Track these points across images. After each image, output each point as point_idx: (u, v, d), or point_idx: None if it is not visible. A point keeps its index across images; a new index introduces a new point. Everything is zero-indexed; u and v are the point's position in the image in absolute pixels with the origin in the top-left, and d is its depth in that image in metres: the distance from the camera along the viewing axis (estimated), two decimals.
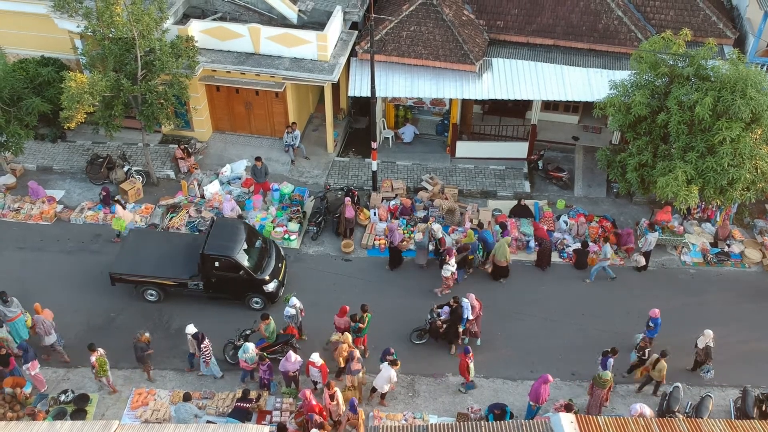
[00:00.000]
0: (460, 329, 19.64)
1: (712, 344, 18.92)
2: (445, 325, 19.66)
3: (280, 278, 21.06)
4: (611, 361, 18.44)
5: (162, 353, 19.84)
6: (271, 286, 20.65)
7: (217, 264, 20.10)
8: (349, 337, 18.71)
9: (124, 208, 23.21)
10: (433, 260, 22.55)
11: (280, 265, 21.28)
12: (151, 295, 20.97)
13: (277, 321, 19.67)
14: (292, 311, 19.46)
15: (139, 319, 20.64)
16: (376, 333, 20.02)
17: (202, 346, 18.62)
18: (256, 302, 20.90)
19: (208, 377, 19.38)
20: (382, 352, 18.50)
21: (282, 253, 21.96)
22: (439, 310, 19.80)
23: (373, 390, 18.52)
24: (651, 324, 19.33)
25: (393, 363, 17.94)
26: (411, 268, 22.75)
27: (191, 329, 18.63)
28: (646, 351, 18.95)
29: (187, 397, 17.35)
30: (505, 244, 21.61)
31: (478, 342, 20.17)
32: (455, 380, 19.44)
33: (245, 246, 20.53)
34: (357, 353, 18.56)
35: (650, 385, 19.21)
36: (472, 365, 18.54)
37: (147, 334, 18.66)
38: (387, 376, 17.91)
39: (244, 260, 20.26)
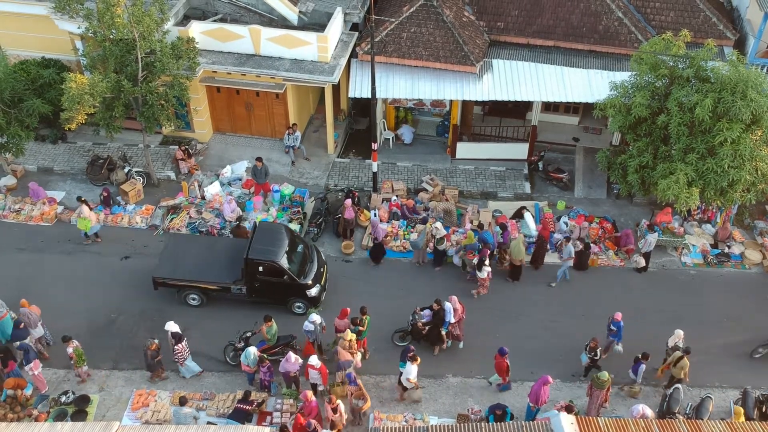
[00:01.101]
0: (443, 332, 19.62)
1: (682, 344, 18.94)
2: (427, 328, 19.63)
3: (322, 283, 20.99)
4: (643, 366, 18.50)
5: (162, 353, 19.83)
6: (313, 291, 20.55)
7: (260, 269, 20.06)
8: (349, 335, 18.65)
9: (91, 209, 22.97)
10: (431, 260, 22.66)
11: (322, 269, 21.22)
12: (194, 299, 20.93)
13: (289, 330, 19.56)
14: (311, 327, 19.14)
15: (139, 319, 20.65)
16: (377, 334, 20.04)
17: (176, 347, 18.55)
18: (299, 307, 20.81)
19: (208, 378, 19.38)
20: (402, 352, 18.56)
21: (323, 257, 21.88)
22: (422, 312, 19.78)
23: (405, 389, 18.64)
24: (613, 327, 19.28)
25: (413, 359, 17.99)
26: (411, 269, 22.77)
27: (172, 327, 18.66)
28: (598, 351, 18.91)
29: (182, 401, 17.30)
30: (520, 243, 21.62)
31: (460, 345, 20.09)
32: (455, 381, 19.46)
33: (288, 250, 20.50)
34: (358, 357, 18.62)
35: (650, 387, 19.22)
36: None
37: (156, 341, 18.64)
38: (408, 371, 18.03)
39: (288, 265, 20.23)
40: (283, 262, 20.16)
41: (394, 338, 20.17)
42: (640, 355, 18.71)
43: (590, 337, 19.22)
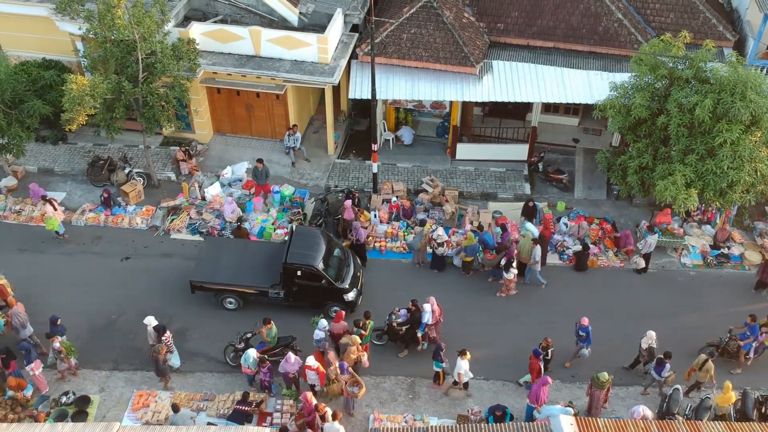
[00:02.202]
0: (419, 334, 19.61)
1: (655, 345, 18.96)
2: (404, 329, 19.62)
3: (358, 287, 20.96)
4: (668, 365, 18.50)
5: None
6: (351, 295, 20.51)
7: (299, 273, 20.06)
8: (357, 339, 18.68)
9: (55, 208, 22.93)
10: (430, 261, 22.69)
11: (358, 273, 21.22)
12: (231, 303, 20.91)
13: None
14: (322, 334, 19.01)
15: (139, 320, 20.64)
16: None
17: (164, 337, 18.61)
18: (335, 311, 20.62)
19: (208, 378, 19.41)
20: (434, 351, 18.61)
21: (359, 261, 21.85)
22: (399, 312, 19.76)
23: (455, 383, 18.79)
24: (582, 333, 19.20)
25: (463, 354, 18.15)
26: (412, 270, 22.79)
27: (151, 321, 18.70)
28: (549, 351, 18.87)
29: (175, 408, 17.24)
30: (528, 241, 21.66)
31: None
32: (448, 383, 19.42)
33: (326, 255, 20.49)
34: (365, 357, 18.62)
35: (652, 387, 19.25)
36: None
37: (165, 347, 18.62)
38: (458, 367, 18.22)
39: (326, 269, 20.23)
40: (321, 266, 20.15)
41: (372, 337, 20.14)
42: (662, 355, 18.71)
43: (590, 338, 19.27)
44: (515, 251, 21.46)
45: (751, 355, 19.47)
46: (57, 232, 23.02)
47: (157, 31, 22.07)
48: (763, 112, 20.03)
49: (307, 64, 24.91)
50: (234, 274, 20.63)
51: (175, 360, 19.23)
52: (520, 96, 24.61)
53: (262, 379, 18.61)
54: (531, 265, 21.81)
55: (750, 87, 19.89)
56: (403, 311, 19.74)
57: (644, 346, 19.13)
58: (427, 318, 19.34)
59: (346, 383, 17.90)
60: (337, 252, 21.09)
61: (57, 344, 18.43)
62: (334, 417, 16.95)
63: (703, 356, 18.65)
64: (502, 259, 21.41)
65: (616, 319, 21.05)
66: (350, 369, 17.97)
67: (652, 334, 19.03)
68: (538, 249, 21.55)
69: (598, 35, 25.38)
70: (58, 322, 19.00)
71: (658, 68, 21.57)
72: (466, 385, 18.92)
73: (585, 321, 19.21)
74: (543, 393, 17.57)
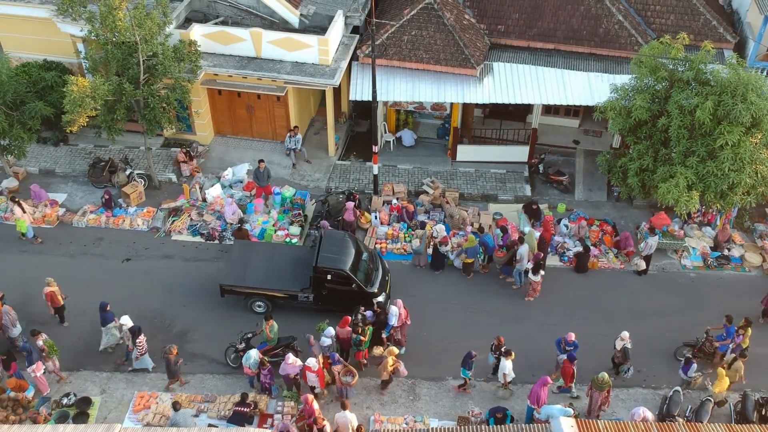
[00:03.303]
0: (384, 335, 19.62)
1: (629, 345, 18.98)
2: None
3: (387, 291, 20.93)
4: (695, 366, 18.52)
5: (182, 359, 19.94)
6: (380, 299, 20.48)
7: (329, 277, 20.05)
8: (395, 350, 18.57)
9: (24, 210, 22.90)
10: (430, 263, 22.74)
11: (387, 277, 21.20)
12: (259, 306, 20.88)
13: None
14: (329, 341, 18.92)
15: (140, 321, 20.64)
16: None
17: (137, 340, 18.62)
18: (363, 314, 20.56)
19: (209, 380, 19.43)
20: (464, 358, 18.61)
21: (386, 265, 21.78)
22: (365, 313, 19.73)
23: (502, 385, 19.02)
24: (568, 348, 18.99)
25: (508, 354, 18.32)
26: (413, 272, 22.81)
27: (127, 321, 18.71)
28: (502, 349, 18.76)
29: (176, 407, 17.26)
30: (532, 237, 21.74)
31: (402, 350, 19.83)
32: (456, 384, 19.46)
33: (355, 259, 20.50)
34: (402, 366, 18.62)
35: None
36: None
37: (175, 347, 18.67)
38: (503, 366, 18.40)
39: (356, 273, 20.23)
40: (352, 270, 20.16)
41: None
42: (690, 355, 18.74)
43: (589, 340, 19.26)
44: (542, 255, 21.51)
45: (728, 356, 19.47)
46: (24, 234, 22.85)
47: (158, 33, 22.08)
48: (763, 114, 20.04)
49: (308, 65, 24.94)
50: (264, 278, 20.64)
51: (145, 362, 19.19)
52: (521, 98, 24.63)
53: (262, 381, 18.63)
54: (516, 262, 21.86)
55: (751, 89, 19.90)
56: (369, 312, 19.77)
57: (618, 347, 19.12)
58: (393, 320, 19.38)
59: (339, 373, 18.05)
60: (365, 256, 21.05)
61: (40, 342, 18.43)
62: (344, 407, 17.16)
63: (732, 354, 18.60)
64: (529, 261, 21.42)
65: (617, 321, 21.03)
66: (341, 359, 18.11)
67: (625, 334, 19.05)
68: (524, 248, 21.53)
69: (599, 37, 25.40)
70: (108, 308, 19.15)
71: (658, 70, 21.58)
72: (507, 384, 18.96)
73: (571, 336, 18.94)
74: (543, 393, 17.58)
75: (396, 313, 19.35)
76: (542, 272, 21.25)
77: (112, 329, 19.23)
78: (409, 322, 19.85)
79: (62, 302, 20.01)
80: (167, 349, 18.44)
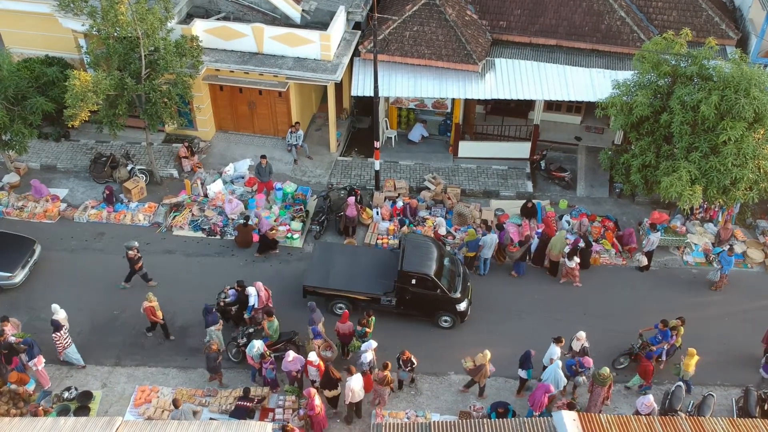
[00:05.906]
0: (246, 316, 19.83)
1: (587, 344, 18.89)
2: (233, 309, 19.87)
3: (469, 297, 20.82)
4: None
5: (165, 350, 19.92)
6: (463, 305, 20.38)
7: (413, 281, 19.97)
8: (489, 354, 18.26)
9: None
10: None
11: (468, 283, 21.09)
12: (340, 308, 20.75)
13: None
14: (370, 356, 18.31)
15: (142, 316, 20.67)
16: (380, 333, 19.93)
17: (54, 335, 18.59)
18: (446, 321, 20.57)
19: (209, 380, 19.44)
20: (523, 358, 18.52)
21: (467, 271, 21.65)
22: (228, 292, 19.99)
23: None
24: (581, 370, 18.77)
25: (558, 340, 18.48)
26: None
27: (57, 311, 18.72)
28: (411, 362, 18.56)
29: (175, 404, 17.19)
30: (562, 238, 21.76)
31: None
32: (458, 378, 19.46)
33: (439, 264, 20.41)
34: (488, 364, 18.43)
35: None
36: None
37: (215, 343, 18.62)
38: (551, 352, 18.57)
39: (440, 278, 20.12)
40: (436, 275, 20.07)
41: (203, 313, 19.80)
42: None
43: (592, 335, 19.22)
44: (579, 241, 21.74)
45: (663, 358, 19.49)
46: None
47: (160, 28, 22.07)
48: (766, 110, 19.99)
49: (309, 61, 24.93)
50: (347, 281, 20.61)
51: (74, 356, 19.15)
52: (523, 94, 24.59)
53: (264, 376, 18.61)
54: (480, 249, 21.89)
55: (754, 84, 19.87)
56: (232, 291, 20.00)
57: (576, 348, 18.96)
58: (253, 301, 19.57)
59: (318, 347, 18.23)
60: (447, 261, 20.93)
61: (7, 328, 18.39)
62: (350, 372, 17.41)
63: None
64: (566, 256, 21.65)
65: (618, 316, 21.05)
66: (323, 334, 18.41)
67: (582, 334, 18.91)
68: (491, 237, 21.62)
69: (601, 33, 25.37)
70: (214, 310, 19.24)
71: (660, 66, 21.56)
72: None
73: (589, 362, 18.50)
74: (544, 400, 17.56)
75: (255, 294, 19.52)
76: (576, 258, 21.34)
77: (213, 331, 19.14)
78: (271, 304, 19.81)
79: (161, 318, 19.71)
80: (207, 344, 18.51)
